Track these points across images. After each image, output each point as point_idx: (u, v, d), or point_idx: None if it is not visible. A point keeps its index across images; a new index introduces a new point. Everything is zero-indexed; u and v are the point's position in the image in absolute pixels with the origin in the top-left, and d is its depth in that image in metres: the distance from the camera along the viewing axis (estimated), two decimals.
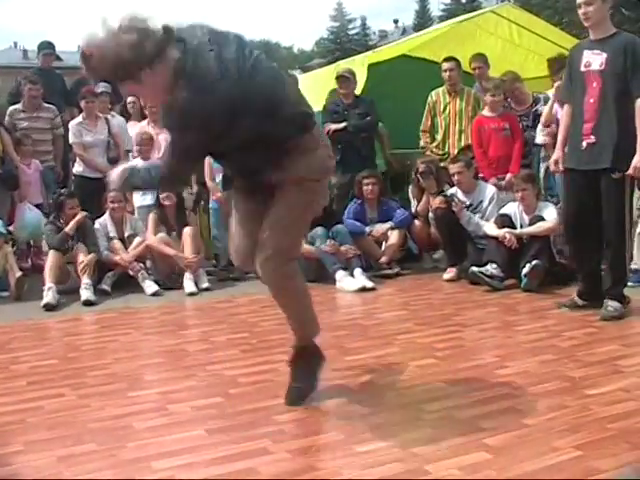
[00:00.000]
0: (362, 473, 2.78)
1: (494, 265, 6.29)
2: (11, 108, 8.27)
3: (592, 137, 5.12)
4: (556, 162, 5.48)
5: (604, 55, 5.09)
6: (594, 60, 5.14)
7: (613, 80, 5.05)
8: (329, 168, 3.58)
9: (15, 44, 67.15)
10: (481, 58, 8.33)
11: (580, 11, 5.16)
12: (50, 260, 6.58)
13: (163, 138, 7.90)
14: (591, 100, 5.14)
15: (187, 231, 6.97)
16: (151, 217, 7.10)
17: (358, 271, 6.71)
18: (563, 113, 5.58)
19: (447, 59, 8.05)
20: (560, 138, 5.54)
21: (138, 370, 4.32)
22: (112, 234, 7.08)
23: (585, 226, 5.32)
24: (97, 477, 2.86)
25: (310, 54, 67.52)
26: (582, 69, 5.20)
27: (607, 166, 5.05)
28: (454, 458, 2.87)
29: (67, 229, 6.75)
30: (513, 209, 6.60)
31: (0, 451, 3.13)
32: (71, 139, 7.94)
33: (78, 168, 8.04)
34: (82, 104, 7.97)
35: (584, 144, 5.17)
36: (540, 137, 7.32)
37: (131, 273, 6.80)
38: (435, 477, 2.73)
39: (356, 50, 33.30)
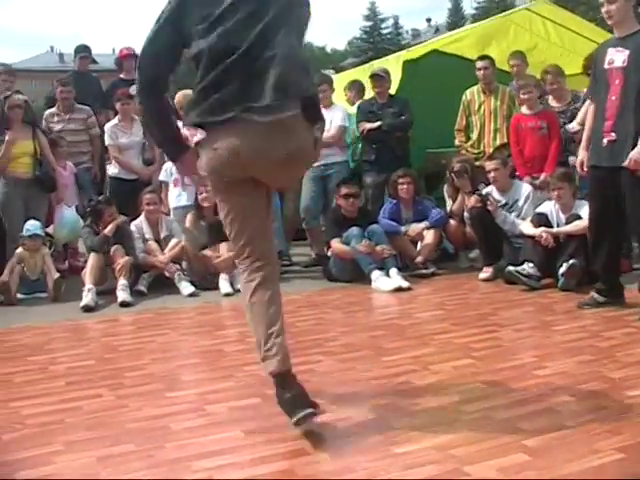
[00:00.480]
0: (400, 474, 2.77)
1: (531, 264, 6.24)
2: (47, 112, 8.38)
3: (613, 134, 5.10)
4: (581, 163, 5.47)
5: (627, 52, 5.06)
6: (617, 57, 5.12)
7: (635, 77, 5.02)
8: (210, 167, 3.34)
9: (52, 48, 68.04)
10: (520, 56, 8.29)
11: (603, 9, 5.16)
12: (90, 262, 6.65)
13: (197, 139, 7.94)
14: (613, 97, 5.12)
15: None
16: (188, 218, 7.14)
17: (394, 271, 6.69)
18: (588, 112, 5.56)
19: (481, 57, 8.01)
20: (585, 137, 5.55)
21: (175, 371, 4.34)
22: (148, 235, 7.14)
23: (608, 222, 5.32)
24: (135, 477, 2.88)
25: (343, 53, 67.49)
26: (605, 66, 5.18)
27: (625, 163, 5.01)
28: (493, 460, 2.84)
29: (106, 231, 6.81)
30: (549, 208, 6.54)
31: (41, 450, 3.16)
32: (107, 141, 8.02)
33: (114, 170, 8.11)
34: (117, 106, 8.04)
35: (605, 141, 5.16)
36: (574, 125, 7.19)
37: (167, 274, 6.84)
38: (474, 479, 2.71)
39: (389, 49, 33.22)
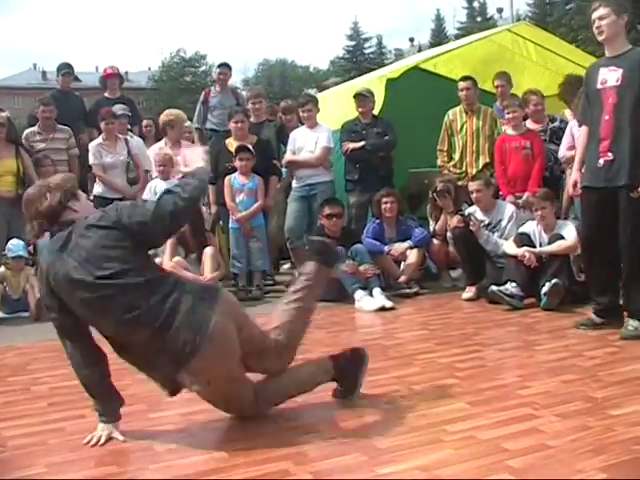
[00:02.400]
0: None
1: (513, 284, 6.27)
2: (27, 131, 8.34)
3: (609, 154, 5.12)
4: (574, 184, 5.48)
5: (620, 71, 5.10)
6: (610, 76, 5.15)
7: (629, 95, 5.05)
8: None
9: (34, 65, 67.86)
10: (504, 76, 8.34)
11: (594, 26, 5.19)
12: None
13: (181, 158, 7.97)
14: (606, 117, 5.14)
15: (207, 251, 7.00)
16: (168, 241, 7.12)
17: (377, 290, 6.70)
18: (580, 134, 5.58)
19: (463, 78, 8.07)
20: (577, 159, 5.54)
21: (158, 391, 4.30)
22: None
23: (602, 244, 5.31)
24: None
25: (326, 73, 67.76)
26: (598, 86, 5.21)
27: (624, 183, 5.04)
28: None
29: None
30: (532, 228, 6.58)
31: (23, 473, 3.14)
32: (91, 160, 8.00)
33: (98, 189, 8.09)
34: (102, 125, 8.04)
35: (601, 162, 5.16)
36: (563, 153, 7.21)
37: None
38: None
39: (372, 69, 33.41)
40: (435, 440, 3.29)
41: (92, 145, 8.05)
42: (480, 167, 7.81)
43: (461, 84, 8.00)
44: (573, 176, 5.55)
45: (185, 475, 3.04)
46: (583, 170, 5.40)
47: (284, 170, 8.33)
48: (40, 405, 4.12)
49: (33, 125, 8.50)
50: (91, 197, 8.41)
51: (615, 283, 5.45)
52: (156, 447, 3.38)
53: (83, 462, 3.25)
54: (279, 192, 8.29)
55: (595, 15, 5.15)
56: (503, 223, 6.96)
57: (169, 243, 7.10)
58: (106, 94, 9.58)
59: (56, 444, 3.48)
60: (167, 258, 7.03)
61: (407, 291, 7.08)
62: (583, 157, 5.42)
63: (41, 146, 8.16)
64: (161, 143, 8.28)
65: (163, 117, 8.31)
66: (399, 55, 65.09)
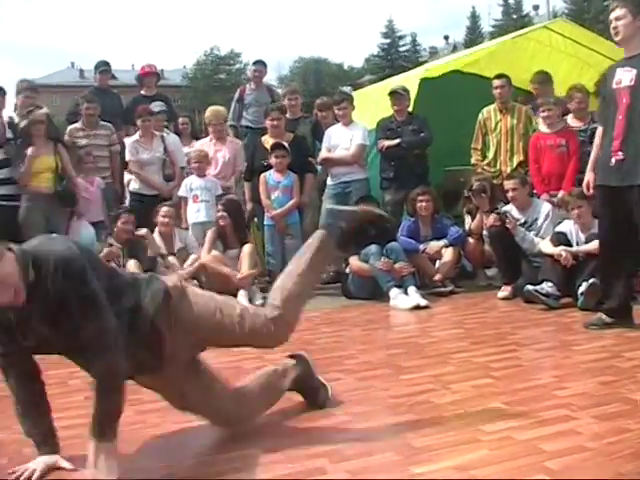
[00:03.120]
0: None
1: (550, 283, 6.22)
2: (70, 127, 8.41)
3: (620, 153, 5.09)
4: (587, 185, 5.47)
5: (634, 71, 5.07)
6: (625, 77, 5.13)
7: None
8: None
9: (72, 64, 68.46)
10: (541, 78, 8.25)
11: (611, 26, 5.17)
12: None
13: (222, 155, 8.03)
14: (620, 117, 5.12)
15: (245, 249, 7.02)
16: (208, 235, 7.17)
17: (412, 289, 6.68)
18: (597, 134, 5.55)
19: (498, 76, 8.03)
20: (592, 158, 5.54)
21: None
22: (162, 250, 7.16)
23: (618, 243, 5.28)
24: None
25: (360, 71, 67.62)
26: (614, 86, 5.19)
27: (636, 183, 4.99)
28: None
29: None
30: (569, 227, 6.52)
31: None
32: (128, 157, 8.07)
33: (134, 185, 8.16)
34: (138, 123, 8.10)
35: (613, 161, 5.14)
36: None
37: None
38: None
39: (406, 67, 33.30)
40: (471, 440, 3.26)
41: (129, 142, 8.11)
42: (514, 165, 7.77)
43: (495, 82, 7.96)
44: (587, 176, 5.53)
45: (221, 471, 3.04)
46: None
47: (319, 167, 8.34)
48: (77, 398, 4.15)
49: (72, 122, 8.59)
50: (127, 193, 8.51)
51: (631, 282, 5.42)
52: (191, 443, 3.40)
53: (120, 456, 3.26)
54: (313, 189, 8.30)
55: (612, 16, 5.16)
56: (539, 222, 6.90)
57: (208, 237, 7.16)
58: (142, 92, 9.65)
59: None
60: (205, 252, 7.08)
61: (442, 290, 7.06)
62: (597, 157, 5.41)
63: (84, 142, 8.22)
64: (205, 140, 8.33)
65: (207, 114, 8.39)
66: (433, 53, 64.87)
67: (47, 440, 3.15)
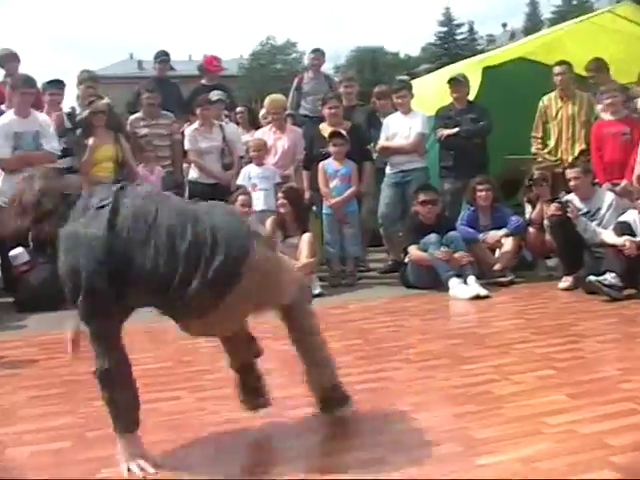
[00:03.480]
0: None
1: (613, 274, 6.09)
2: (132, 117, 8.50)
3: None
4: (638, 177, 5.35)
5: None
6: None
7: None
8: None
9: (131, 55, 69.18)
10: (594, 64, 8.08)
11: None
12: None
13: (281, 143, 8.03)
14: None
15: (305, 237, 7.01)
16: (268, 224, 7.18)
17: (472, 278, 6.62)
18: None
19: (559, 63, 7.88)
20: None
21: None
22: None
23: None
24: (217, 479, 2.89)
25: (417, 59, 67.16)
26: None
27: None
28: (579, 475, 2.76)
29: None
30: (633, 216, 6.37)
31: None
32: (187, 145, 8.11)
33: (193, 174, 8.21)
34: (198, 111, 8.14)
35: None
36: None
37: None
38: None
39: (463, 55, 32.89)
40: (534, 432, 3.22)
41: (188, 131, 8.16)
42: (576, 154, 7.63)
43: (556, 69, 7.82)
44: (637, 170, 5.40)
45: (279, 459, 3.05)
46: None
47: (374, 155, 8.30)
48: (137, 385, 4.19)
49: (132, 113, 8.68)
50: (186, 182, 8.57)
51: None
52: (251, 430, 3.42)
53: (180, 442, 3.29)
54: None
55: None
56: (602, 211, 6.76)
57: (268, 226, 7.17)
58: (203, 81, 9.71)
59: (153, 423, 3.50)
60: None
61: (502, 279, 6.97)
62: None
63: (144, 132, 8.30)
64: (266, 128, 8.35)
65: (266, 102, 8.40)
66: (491, 41, 64.11)
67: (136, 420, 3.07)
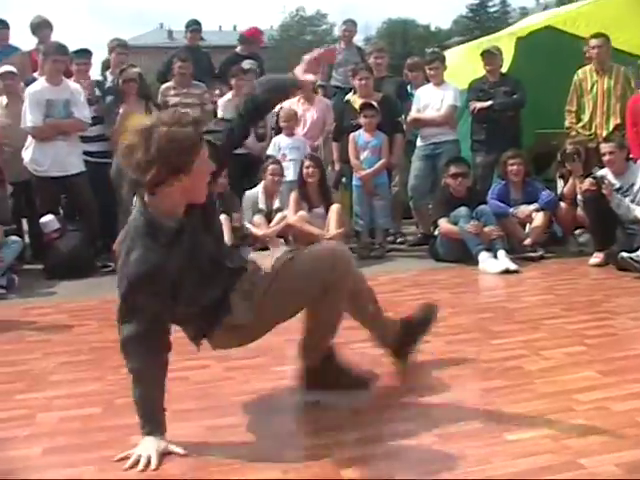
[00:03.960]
0: (513, 462, 2.68)
1: None
2: (163, 86, 8.48)
3: None
4: None
5: None
6: None
7: None
8: None
9: (161, 25, 69.03)
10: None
11: None
12: None
13: (310, 114, 7.99)
14: None
15: (333, 208, 7.01)
16: (292, 196, 7.18)
17: (502, 253, 6.56)
18: None
19: (595, 35, 7.72)
20: None
21: (282, 345, 4.30)
22: (261, 205, 7.21)
23: None
24: (245, 450, 2.88)
25: (448, 32, 66.46)
26: None
27: None
28: (611, 454, 2.72)
29: None
30: None
31: None
32: (220, 115, 8.08)
33: None
34: (232, 81, 8.11)
35: None
36: None
37: (271, 248, 6.87)
38: (591, 472, 2.60)
39: (496, 28, 32.57)
40: (565, 409, 3.18)
41: (222, 101, 8.14)
42: (610, 129, 7.51)
43: (592, 42, 7.66)
44: None
45: (308, 431, 3.05)
46: None
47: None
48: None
49: (163, 82, 8.66)
50: None
51: None
52: (280, 401, 3.44)
53: (208, 411, 3.30)
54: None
55: None
56: (636, 187, 6.65)
57: (292, 198, 7.16)
58: (237, 50, 9.68)
59: (180, 392, 3.52)
60: (291, 213, 7.09)
61: (532, 254, 6.90)
62: None
63: (175, 100, 8.25)
64: (294, 100, 8.30)
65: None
66: (524, 14, 63.21)
67: (159, 415, 2.96)
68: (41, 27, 8.42)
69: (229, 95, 8.13)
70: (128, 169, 2.84)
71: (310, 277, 3.09)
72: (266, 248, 6.88)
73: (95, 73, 8.43)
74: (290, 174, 7.58)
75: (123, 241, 2.94)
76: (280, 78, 3.44)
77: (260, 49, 10.41)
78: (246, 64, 8.74)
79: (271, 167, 7.21)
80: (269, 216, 7.22)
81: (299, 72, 3.33)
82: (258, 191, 7.32)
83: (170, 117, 2.82)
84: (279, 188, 7.38)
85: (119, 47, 8.57)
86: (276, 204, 7.32)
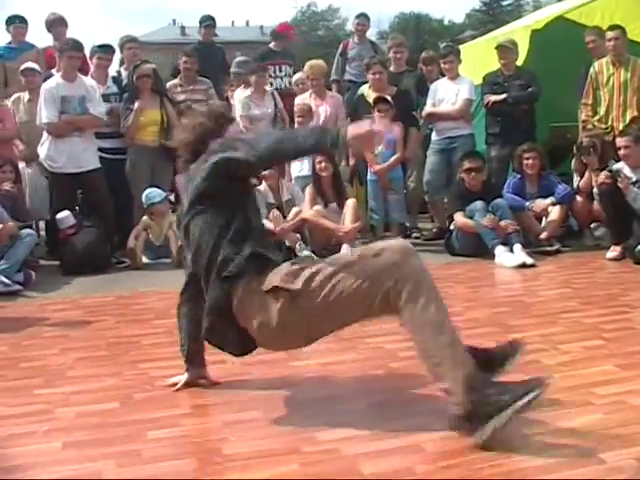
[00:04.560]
0: (532, 458, 2.66)
1: None
2: (169, 83, 8.51)
3: None
4: None
5: None
6: None
7: None
8: None
9: (174, 21, 69.09)
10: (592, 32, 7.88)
11: None
12: None
13: (323, 109, 7.99)
14: None
15: (349, 203, 7.01)
16: (307, 191, 7.18)
17: (518, 247, 6.55)
18: None
19: (612, 27, 7.67)
20: None
21: None
22: (271, 200, 7.21)
23: None
24: (263, 444, 2.87)
25: (461, 26, 66.21)
26: None
27: None
28: (631, 448, 2.69)
29: None
30: None
31: (169, 412, 3.22)
32: (239, 112, 8.12)
33: None
34: (252, 79, 8.14)
35: None
36: None
37: (287, 243, 6.87)
38: (611, 467, 2.57)
39: (509, 21, 32.45)
40: (584, 402, 3.16)
41: (240, 97, 8.17)
42: (627, 121, 7.45)
43: (609, 34, 7.60)
44: None
45: (325, 425, 3.04)
46: None
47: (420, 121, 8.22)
48: None
49: (175, 77, 8.67)
50: None
51: None
52: (296, 396, 3.41)
53: (226, 406, 3.30)
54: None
55: None
56: None
57: (308, 193, 7.16)
58: (271, 45, 9.72)
59: (198, 388, 3.55)
60: (307, 207, 7.09)
61: (548, 248, 6.90)
62: None
63: (181, 97, 8.30)
64: (306, 94, 8.30)
65: (306, 68, 8.34)
66: (537, 7, 62.88)
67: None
68: (56, 24, 8.45)
69: (247, 92, 8.15)
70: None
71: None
72: (283, 244, 6.91)
73: (112, 71, 8.42)
74: (306, 169, 7.58)
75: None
76: (325, 136, 3.05)
77: (291, 44, 10.48)
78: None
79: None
80: (281, 209, 7.20)
81: (350, 133, 2.96)
82: (263, 187, 7.31)
83: None
84: (282, 180, 7.38)
85: (129, 42, 8.57)
86: (285, 196, 7.31)
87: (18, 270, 6.21)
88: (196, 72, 8.46)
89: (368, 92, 7.91)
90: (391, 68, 8.26)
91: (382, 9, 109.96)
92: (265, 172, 7.15)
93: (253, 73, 8.16)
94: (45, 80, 7.39)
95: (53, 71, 7.86)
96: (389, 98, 7.52)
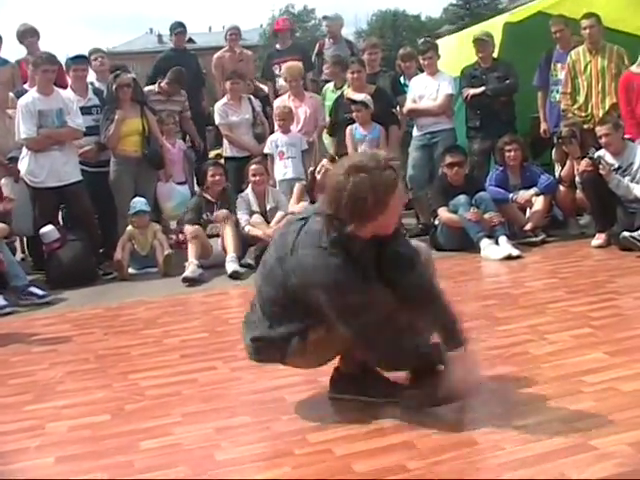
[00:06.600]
0: (525, 448, 2.68)
1: None
2: (146, 89, 8.50)
3: None
4: None
5: None
6: None
7: None
8: None
9: (151, 30, 68.92)
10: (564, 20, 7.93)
11: None
12: (189, 234, 6.80)
13: (302, 110, 7.99)
14: None
15: None
16: (297, 187, 7.19)
17: (503, 239, 6.56)
18: None
19: (586, 15, 7.65)
20: None
21: None
22: (254, 207, 7.19)
23: None
24: (255, 448, 2.89)
25: (438, 21, 66.26)
26: None
27: None
28: (622, 434, 2.72)
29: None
30: None
31: (161, 421, 3.22)
32: (217, 120, 8.13)
33: (228, 152, 8.25)
34: (227, 85, 8.14)
35: None
36: None
37: None
38: (603, 453, 2.59)
39: (486, 15, 32.36)
40: (574, 391, 3.18)
41: (218, 105, 8.22)
42: (607, 108, 7.46)
43: (584, 22, 7.59)
44: None
45: (317, 426, 3.04)
46: None
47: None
48: (173, 357, 4.22)
49: (154, 83, 8.69)
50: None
51: None
52: (287, 398, 3.40)
53: (217, 412, 3.30)
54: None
55: None
56: (635, 166, 6.63)
57: (296, 189, 7.17)
58: (277, 47, 9.72)
59: (189, 394, 3.56)
60: (293, 202, 7.09)
61: (534, 239, 6.91)
62: None
63: (159, 107, 8.29)
64: (284, 97, 8.29)
65: (283, 70, 8.34)
66: (514, 0, 62.99)
67: None
68: (27, 35, 8.35)
69: (224, 99, 8.18)
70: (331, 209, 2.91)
71: None
72: None
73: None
74: (290, 172, 7.59)
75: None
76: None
77: (295, 36, 10.50)
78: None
79: (252, 168, 7.21)
80: (264, 217, 7.18)
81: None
82: (248, 193, 7.30)
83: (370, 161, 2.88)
84: (267, 187, 7.36)
85: (94, 53, 8.44)
86: (270, 204, 7.27)
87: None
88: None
89: (347, 91, 7.90)
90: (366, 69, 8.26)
91: (359, 8, 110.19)
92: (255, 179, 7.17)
93: (227, 79, 8.15)
94: (19, 96, 7.33)
95: (25, 86, 7.77)
96: (362, 98, 7.48)
